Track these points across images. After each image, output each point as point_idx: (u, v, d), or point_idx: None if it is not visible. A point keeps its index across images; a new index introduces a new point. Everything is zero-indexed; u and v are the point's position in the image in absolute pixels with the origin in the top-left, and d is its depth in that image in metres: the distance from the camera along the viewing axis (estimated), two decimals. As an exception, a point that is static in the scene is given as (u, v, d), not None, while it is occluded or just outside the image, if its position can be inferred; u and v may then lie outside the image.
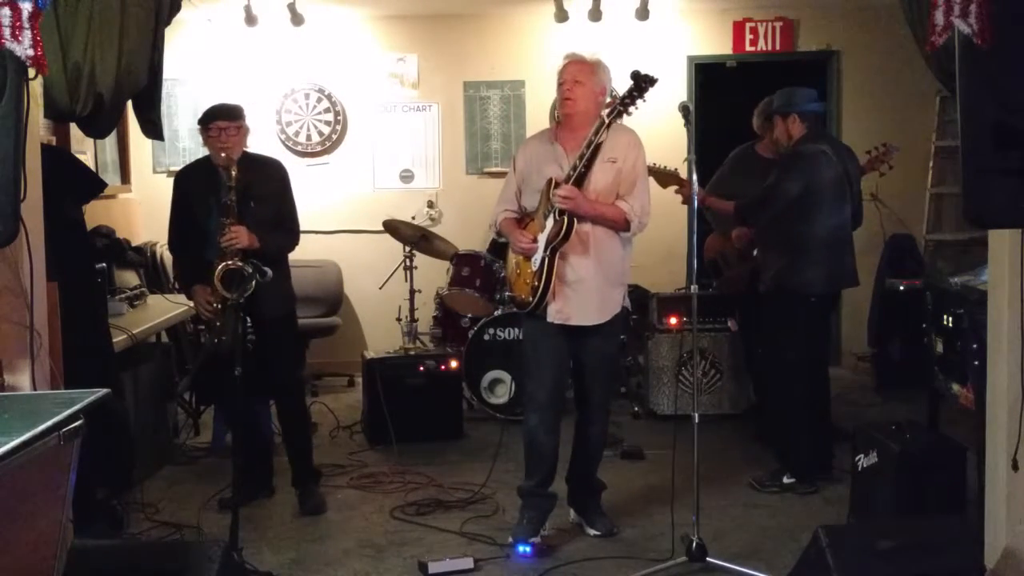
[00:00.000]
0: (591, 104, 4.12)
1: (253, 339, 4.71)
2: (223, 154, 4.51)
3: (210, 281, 4.44)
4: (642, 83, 3.90)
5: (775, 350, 5.02)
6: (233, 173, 4.47)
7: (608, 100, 4.12)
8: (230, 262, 4.37)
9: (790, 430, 4.96)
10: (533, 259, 4.11)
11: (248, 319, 4.58)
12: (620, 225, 4.13)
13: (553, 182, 4.04)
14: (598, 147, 3.99)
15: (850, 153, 5.14)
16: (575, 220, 3.99)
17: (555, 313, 4.12)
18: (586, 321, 4.15)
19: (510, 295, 4.57)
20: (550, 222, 4.03)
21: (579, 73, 4.10)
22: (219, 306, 4.46)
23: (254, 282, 4.21)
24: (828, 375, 5.21)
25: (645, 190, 4.18)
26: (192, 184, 4.74)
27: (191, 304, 5.73)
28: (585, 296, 4.13)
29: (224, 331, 4.37)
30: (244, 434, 4.77)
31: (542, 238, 4.07)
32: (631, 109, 3.96)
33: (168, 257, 6.94)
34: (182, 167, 5.03)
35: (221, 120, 4.56)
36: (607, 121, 3.94)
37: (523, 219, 4.27)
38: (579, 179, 4.03)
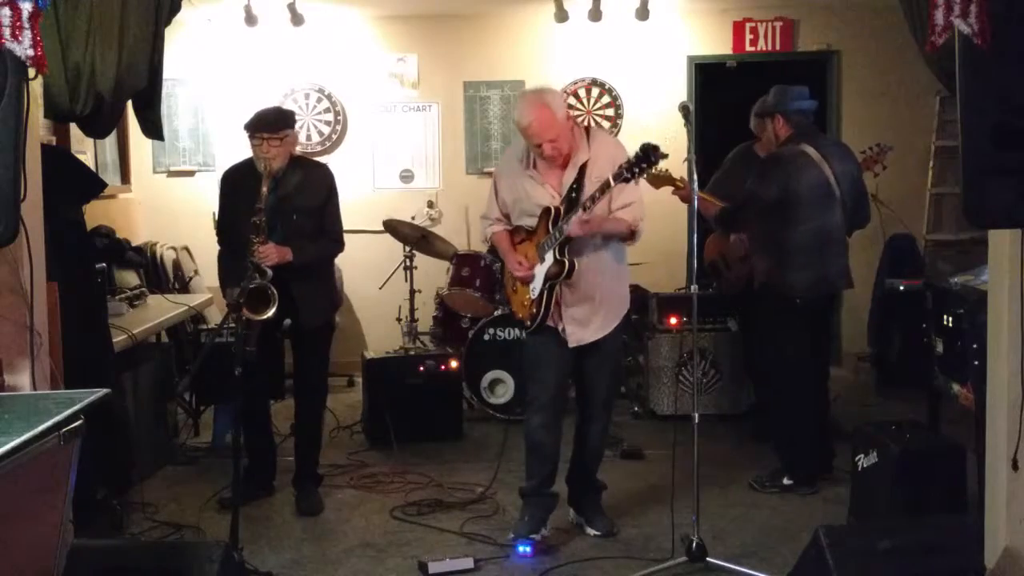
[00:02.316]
0: (570, 139, 4.09)
1: (280, 336, 4.74)
2: (263, 165, 4.51)
3: (242, 293, 4.40)
4: (651, 155, 3.77)
5: (770, 351, 5.01)
6: (264, 191, 4.45)
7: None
8: (252, 284, 4.35)
9: (787, 432, 4.95)
10: (531, 287, 4.15)
11: (286, 321, 4.60)
12: (624, 236, 4.14)
13: (553, 213, 4.04)
14: (604, 188, 3.90)
15: (844, 153, 5.07)
16: (576, 263, 4.02)
17: (571, 337, 4.16)
18: (602, 334, 4.20)
19: (510, 310, 4.58)
20: (550, 257, 4.05)
21: (548, 130, 4.00)
22: (247, 319, 4.42)
23: (274, 306, 4.25)
24: (827, 376, 5.19)
25: (638, 196, 4.15)
26: (236, 186, 4.72)
27: (192, 304, 5.77)
28: (595, 315, 4.18)
29: (254, 342, 4.35)
30: (254, 434, 4.78)
31: (540, 271, 4.10)
32: (636, 178, 3.86)
33: (168, 257, 6.97)
34: (228, 168, 4.99)
35: (264, 131, 4.53)
36: (613, 184, 3.86)
37: (516, 233, 4.28)
38: (574, 203, 4.02)
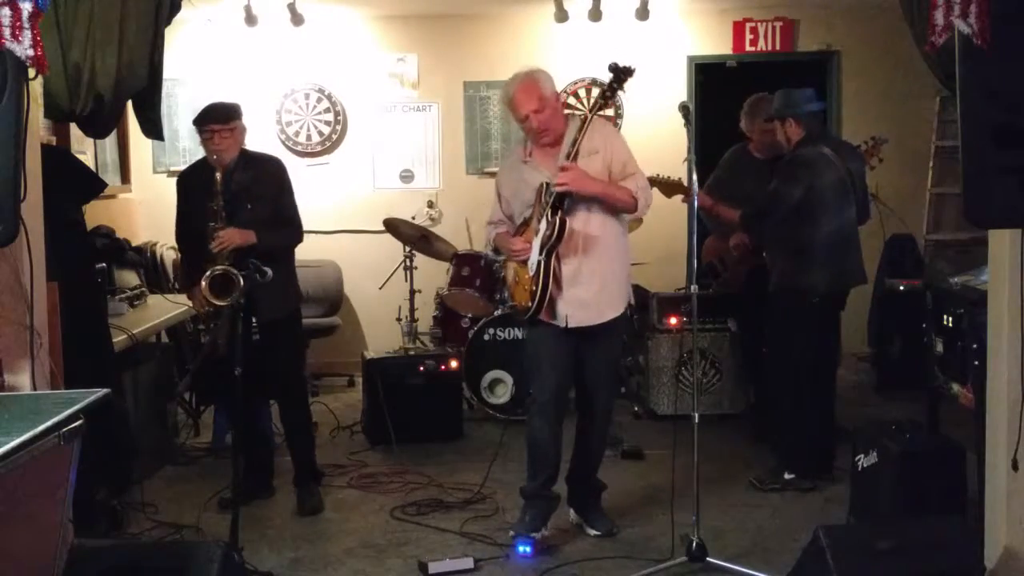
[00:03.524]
0: (559, 117, 4.13)
1: (258, 339, 4.71)
2: (215, 156, 4.52)
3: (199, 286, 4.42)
4: (620, 74, 3.93)
5: (781, 350, 5.02)
6: (218, 176, 4.46)
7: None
8: (217, 268, 4.35)
9: (792, 428, 4.96)
10: (529, 264, 4.12)
11: (253, 319, 4.58)
12: (628, 204, 4.12)
13: (544, 186, 4.05)
14: (583, 123, 4.00)
15: (852, 151, 5.14)
16: (567, 221, 4.00)
17: (567, 318, 4.13)
18: (600, 319, 4.17)
19: (511, 305, 4.58)
20: (543, 225, 4.04)
21: (531, 99, 4.06)
22: (211, 309, 4.44)
23: (241, 286, 4.21)
24: (835, 375, 5.21)
25: (636, 167, 4.17)
26: (191, 186, 4.74)
27: (191, 304, 5.76)
28: (594, 296, 4.15)
29: (219, 334, 4.36)
30: (245, 434, 4.77)
31: (536, 242, 4.08)
32: (611, 101, 3.99)
33: (168, 257, 6.97)
34: (184, 168, 5.02)
35: (213, 123, 4.53)
36: (591, 117, 3.94)
37: (517, 231, 4.28)
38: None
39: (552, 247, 4.03)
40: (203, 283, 4.35)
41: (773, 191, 4.90)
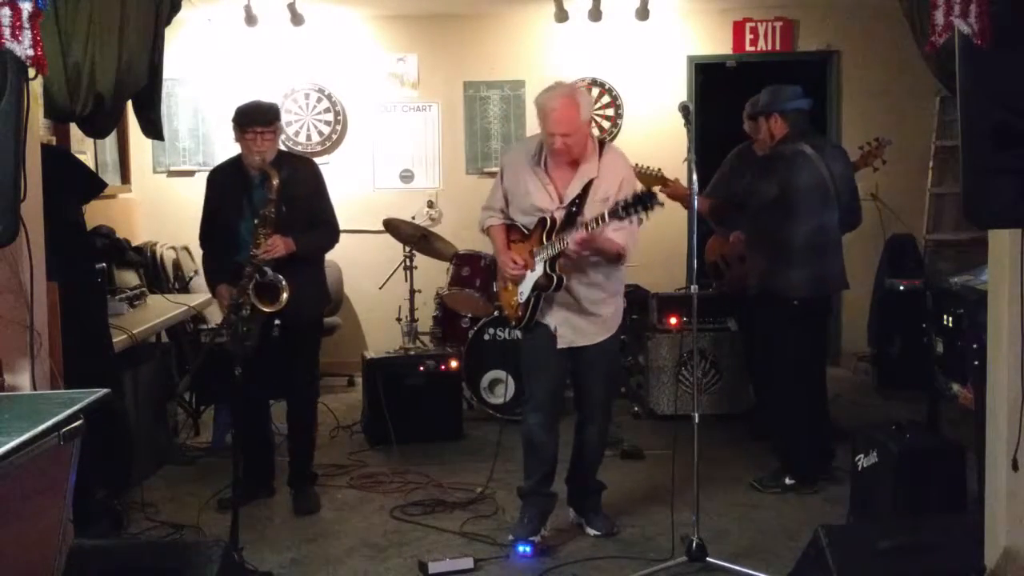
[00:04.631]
0: (584, 143, 4.08)
1: (277, 336, 4.68)
2: (257, 158, 4.49)
3: (244, 292, 4.39)
4: (647, 203, 3.75)
5: (768, 352, 5.02)
6: (275, 183, 4.40)
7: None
8: (259, 277, 4.34)
9: (788, 431, 4.96)
10: (520, 289, 4.16)
11: (277, 319, 4.57)
12: (613, 258, 4.12)
13: (549, 223, 4.05)
14: (599, 220, 3.89)
15: (839, 153, 5.09)
16: (564, 279, 4.03)
17: (561, 339, 4.17)
18: (593, 341, 4.20)
19: (498, 304, 4.58)
20: (540, 268, 4.06)
21: (568, 123, 3.97)
22: (246, 313, 4.41)
23: (285, 295, 4.23)
24: (824, 376, 5.19)
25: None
26: (223, 185, 4.72)
27: (192, 304, 5.76)
28: (587, 325, 4.19)
29: (249, 337, 4.35)
30: (248, 433, 4.77)
31: (531, 277, 4.11)
32: (631, 218, 3.83)
33: (168, 257, 6.97)
34: (215, 166, 5.00)
35: (258, 125, 4.52)
36: (607, 221, 3.85)
37: (512, 231, 4.28)
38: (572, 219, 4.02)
39: (544, 293, 4.07)
40: (249, 289, 4.34)
41: (747, 186, 4.88)
